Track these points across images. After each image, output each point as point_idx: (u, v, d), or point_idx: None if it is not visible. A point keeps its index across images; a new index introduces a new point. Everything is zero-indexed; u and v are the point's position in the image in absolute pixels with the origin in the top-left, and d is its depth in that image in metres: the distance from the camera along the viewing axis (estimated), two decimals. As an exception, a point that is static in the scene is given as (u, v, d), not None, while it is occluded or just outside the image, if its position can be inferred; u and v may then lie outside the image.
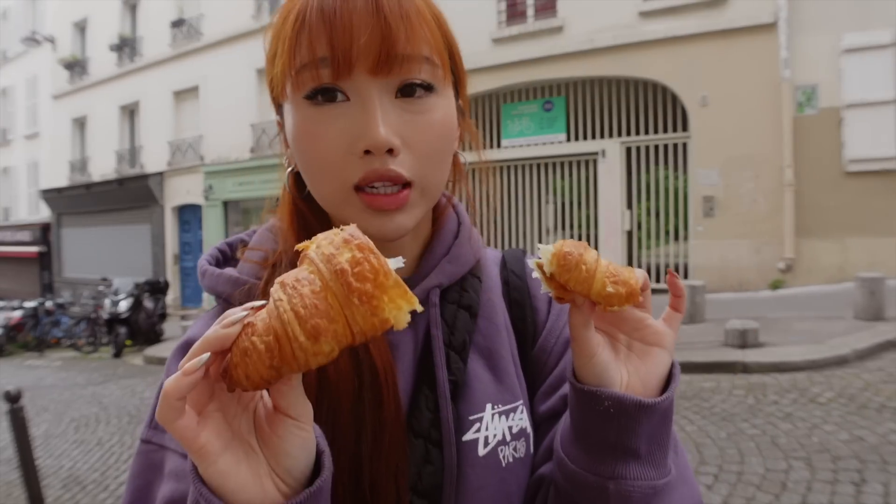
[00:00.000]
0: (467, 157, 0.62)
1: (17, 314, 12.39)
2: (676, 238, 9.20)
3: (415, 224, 0.54)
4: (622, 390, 0.48)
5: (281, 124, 0.58)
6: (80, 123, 18.23)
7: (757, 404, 4.13)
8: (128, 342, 10.38)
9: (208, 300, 11.68)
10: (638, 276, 0.48)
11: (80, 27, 18.04)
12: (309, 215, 0.58)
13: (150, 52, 15.64)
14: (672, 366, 0.51)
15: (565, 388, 0.58)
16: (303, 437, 0.39)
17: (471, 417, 0.56)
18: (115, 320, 10.45)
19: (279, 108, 0.56)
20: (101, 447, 5.06)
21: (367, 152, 0.49)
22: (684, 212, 8.91)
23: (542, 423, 0.60)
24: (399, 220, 0.52)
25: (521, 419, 0.59)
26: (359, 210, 0.51)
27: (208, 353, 0.35)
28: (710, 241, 8.46)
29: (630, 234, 9.53)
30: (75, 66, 17.86)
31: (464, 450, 0.54)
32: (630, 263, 9.52)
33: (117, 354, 10.16)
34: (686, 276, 8.54)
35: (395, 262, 0.36)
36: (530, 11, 9.90)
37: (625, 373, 0.50)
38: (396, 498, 0.51)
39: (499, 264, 0.68)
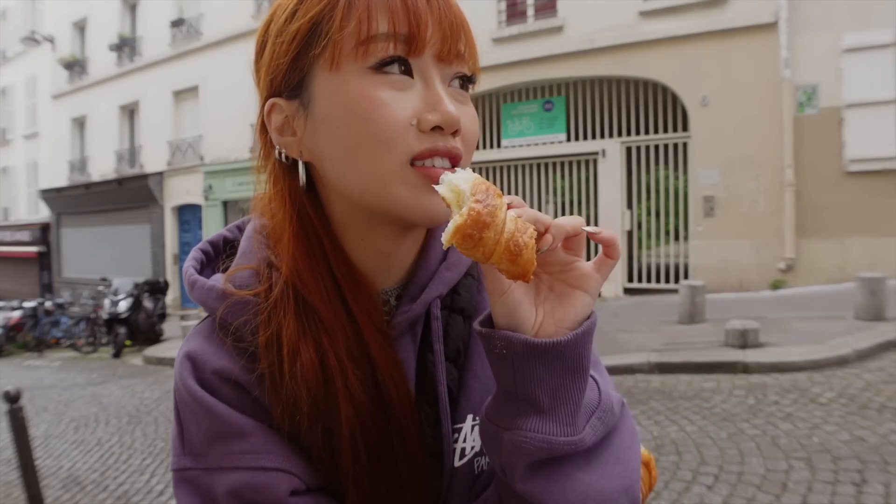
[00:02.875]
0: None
1: (17, 314, 12.39)
2: (677, 238, 9.19)
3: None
4: (532, 333, 0.46)
5: (273, 109, 0.53)
6: (80, 123, 18.22)
7: (757, 404, 4.12)
8: (127, 342, 10.38)
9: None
10: (566, 224, 0.44)
11: (80, 27, 18.03)
12: (317, 221, 0.53)
13: (150, 51, 15.63)
14: (590, 315, 0.47)
15: None
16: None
17: (453, 427, 0.56)
18: (114, 320, 10.44)
19: (289, 88, 0.52)
20: (100, 447, 5.05)
21: (434, 129, 0.49)
22: (684, 212, 8.91)
23: None
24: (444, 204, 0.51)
25: None
26: (411, 185, 0.49)
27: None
28: (711, 241, 8.46)
29: (630, 234, 9.53)
30: (75, 66, 17.85)
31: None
32: (630, 263, 9.53)
33: (117, 355, 10.15)
34: (686, 276, 8.54)
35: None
36: (530, 11, 9.90)
37: (540, 314, 0.47)
38: None
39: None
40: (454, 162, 0.50)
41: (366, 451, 0.50)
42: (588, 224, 0.47)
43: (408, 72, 0.49)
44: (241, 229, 0.62)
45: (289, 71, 0.51)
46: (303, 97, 0.51)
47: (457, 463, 0.55)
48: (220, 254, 0.61)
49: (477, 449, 0.57)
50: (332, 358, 0.50)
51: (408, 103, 0.49)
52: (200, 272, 0.58)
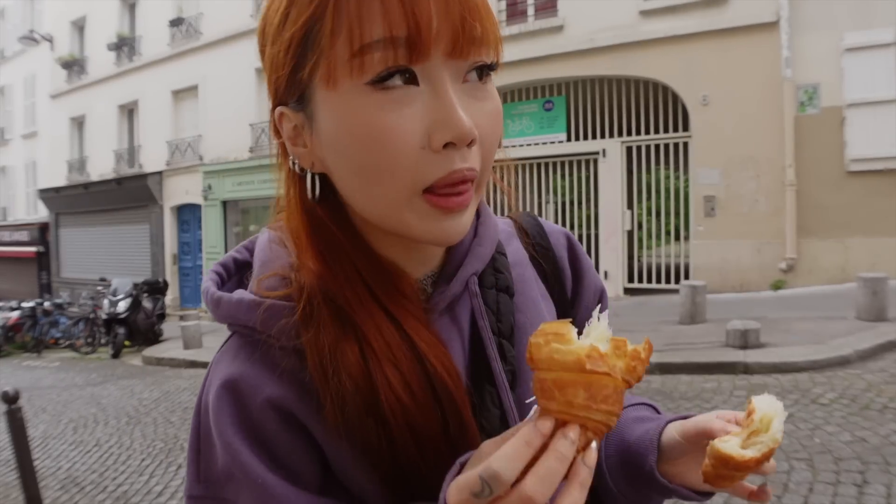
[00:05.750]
0: None
1: (15, 314, 12.37)
2: (677, 238, 9.19)
3: (471, 222, 0.49)
4: (659, 467, 0.56)
5: (283, 118, 0.50)
6: (79, 123, 18.20)
7: (759, 405, 4.11)
8: (126, 343, 10.36)
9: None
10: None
11: (79, 26, 18.01)
12: (332, 226, 0.50)
13: (149, 51, 15.61)
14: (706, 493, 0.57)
15: None
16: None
17: (528, 401, 0.55)
18: (113, 321, 10.42)
19: (294, 98, 0.48)
20: (99, 448, 5.03)
21: (446, 145, 0.43)
22: (685, 212, 8.90)
23: None
24: (463, 222, 0.47)
25: None
26: (422, 214, 0.46)
27: None
28: (711, 241, 8.45)
29: (630, 234, 9.52)
30: (73, 66, 17.83)
31: None
32: (630, 263, 9.52)
33: (116, 355, 10.14)
34: (687, 277, 8.53)
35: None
36: (530, 11, 9.89)
37: (681, 466, 0.56)
38: None
39: (515, 233, 0.66)
40: (469, 188, 0.46)
41: (418, 440, 0.47)
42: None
43: (412, 79, 0.43)
44: (249, 249, 0.60)
45: (289, 83, 0.47)
46: (307, 111, 0.48)
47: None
48: (232, 275, 0.59)
49: None
50: (374, 362, 0.47)
51: (415, 123, 0.43)
52: None
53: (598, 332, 0.41)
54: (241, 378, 0.49)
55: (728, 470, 0.48)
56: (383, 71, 0.42)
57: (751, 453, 0.47)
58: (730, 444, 0.48)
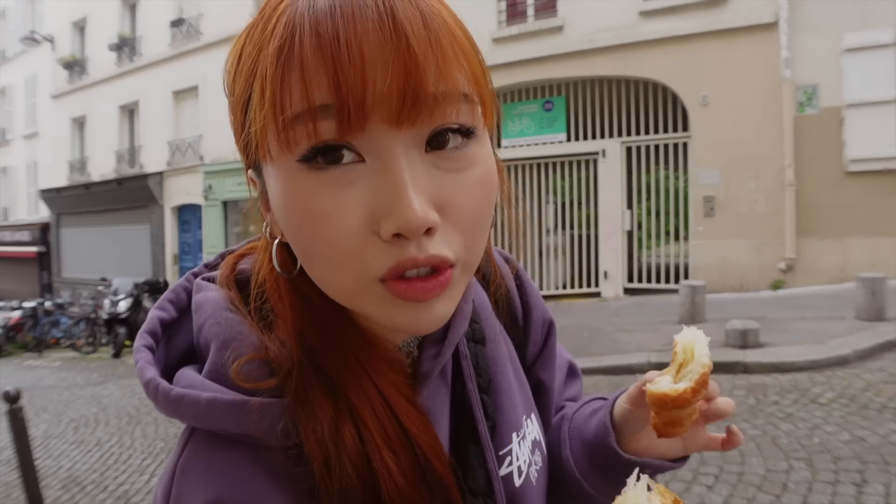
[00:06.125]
0: None
1: (16, 314, 12.39)
2: (677, 238, 9.19)
3: (454, 309, 0.42)
4: (623, 442, 0.57)
5: (255, 182, 0.44)
6: (80, 123, 18.21)
7: (757, 405, 4.12)
8: (127, 342, 10.37)
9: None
10: (723, 408, 0.54)
11: (80, 27, 18.02)
12: (312, 295, 0.44)
13: (150, 51, 15.62)
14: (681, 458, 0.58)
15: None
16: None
17: (501, 453, 0.53)
18: (114, 320, 10.44)
19: (255, 166, 0.43)
20: (100, 448, 5.05)
21: (396, 235, 0.36)
22: (685, 212, 8.91)
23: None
24: (438, 310, 0.40)
25: (533, 430, 0.58)
26: (384, 303, 0.39)
27: None
28: (711, 241, 8.46)
29: (630, 234, 9.52)
30: (74, 66, 17.84)
31: (503, 487, 0.53)
32: (630, 263, 9.53)
33: (116, 355, 10.15)
34: (686, 276, 8.53)
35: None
36: (530, 11, 9.89)
37: (641, 431, 0.56)
38: None
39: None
40: (438, 268, 0.38)
41: None
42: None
43: (355, 152, 0.37)
44: (174, 304, 0.50)
45: (244, 150, 0.42)
46: (262, 180, 0.43)
47: (518, 482, 0.54)
48: (159, 342, 0.48)
49: (528, 462, 0.57)
50: (372, 444, 0.42)
51: (356, 206, 0.36)
52: None
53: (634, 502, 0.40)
54: (231, 498, 0.39)
55: (670, 410, 0.48)
56: (308, 149, 0.36)
57: (683, 385, 0.47)
58: (661, 383, 0.48)
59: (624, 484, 0.46)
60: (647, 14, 8.81)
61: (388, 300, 0.39)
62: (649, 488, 0.43)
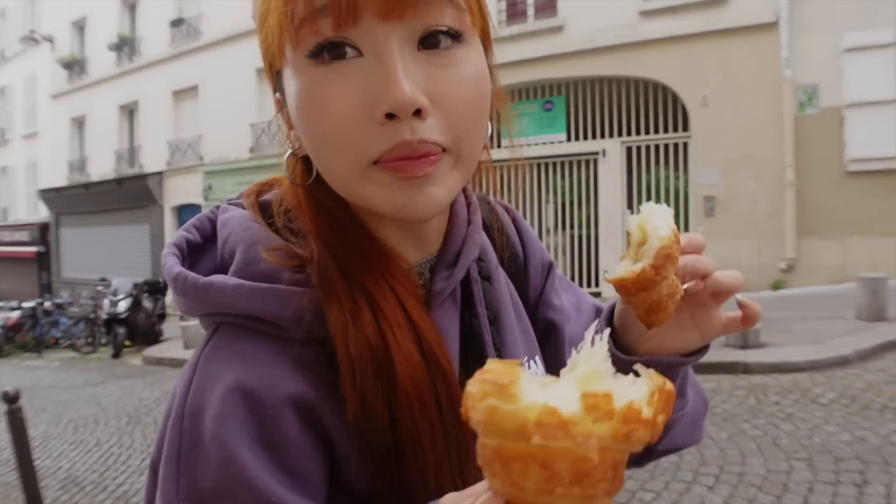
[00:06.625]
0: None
1: (16, 314, 12.38)
2: (677, 238, 9.19)
3: (450, 199, 0.46)
4: (637, 343, 0.54)
5: (280, 102, 0.49)
6: (79, 123, 18.21)
7: (758, 405, 4.11)
8: (127, 342, 10.36)
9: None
10: (724, 282, 0.50)
11: (79, 26, 18.02)
12: (329, 202, 0.49)
13: (150, 51, 15.62)
14: (699, 350, 0.55)
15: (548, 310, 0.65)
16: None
17: None
18: (113, 320, 10.43)
19: (276, 78, 0.48)
20: (99, 448, 5.04)
21: (389, 116, 0.40)
22: (685, 212, 8.90)
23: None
24: (431, 192, 0.43)
25: (539, 370, 0.61)
26: (382, 185, 0.43)
27: None
28: (711, 241, 8.08)
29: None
30: (74, 66, 17.84)
31: None
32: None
33: (116, 355, 10.14)
34: (686, 277, 8.53)
35: None
36: (530, 11, 9.89)
37: (653, 329, 0.52)
38: None
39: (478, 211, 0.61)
40: (428, 158, 0.42)
41: (419, 412, 0.45)
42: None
43: (355, 48, 0.41)
44: (199, 230, 0.54)
45: (268, 65, 0.48)
46: (281, 89, 0.48)
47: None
48: (185, 259, 0.52)
49: None
50: (385, 324, 0.46)
51: (355, 94, 0.41)
52: None
53: (590, 367, 0.31)
54: (253, 378, 0.43)
55: (637, 295, 0.43)
56: (314, 45, 0.41)
57: (641, 264, 0.43)
58: (618, 268, 0.44)
59: None
60: (647, 14, 8.81)
61: (385, 182, 0.43)
62: (638, 374, 0.32)
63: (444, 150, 0.43)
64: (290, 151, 0.49)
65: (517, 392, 0.28)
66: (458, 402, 0.44)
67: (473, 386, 0.30)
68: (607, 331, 0.36)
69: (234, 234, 0.50)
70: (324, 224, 0.48)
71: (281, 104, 0.49)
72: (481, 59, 0.46)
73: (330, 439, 0.45)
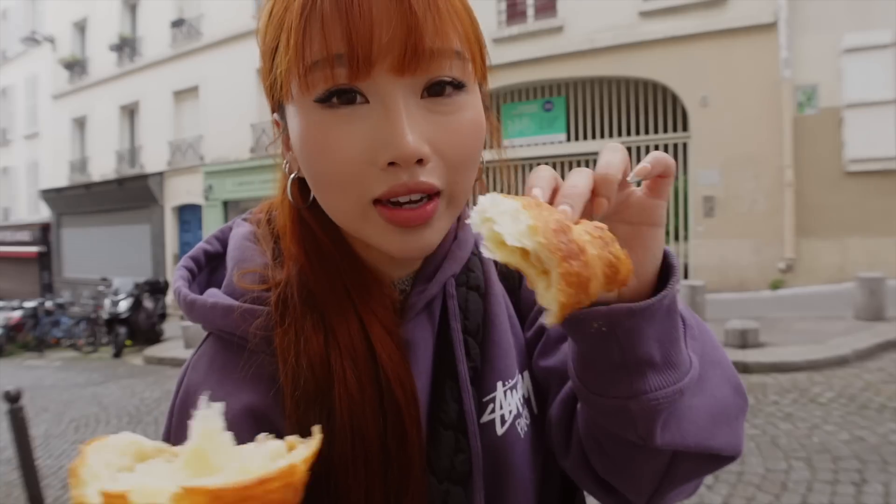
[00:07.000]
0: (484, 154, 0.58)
1: (17, 314, 12.40)
2: (676, 238, 9.19)
3: (440, 239, 0.49)
4: (616, 295, 0.44)
5: (279, 124, 0.52)
6: (80, 123, 18.23)
7: (757, 404, 4.12)
8: (128, 342, 10.38)
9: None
10: (613, 175, 0.41)
11: (80, 27, 18.04)
12: (316, 228, 0.52)
13: (150, 52, 15.64)
14: (666, 254, 0.45)
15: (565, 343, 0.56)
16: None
17: (485, 399, 0.55)
18: (114, 320, 10.45)
19: (278, 106, 0.51)
20: (100, 447, 5.05)
21: (391, 164, 0.43)
22: (684, 212, 8.91)
23: (550, 378, 0.57)
24: (426, 237, 0.47)
25: (524, 388, 0.60)
26: (378, 227, 0.46)
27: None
28: (711, 241, 8.46)
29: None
30: (75, 66, 17.86)
31: (483, 432, 0.54)
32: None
33: (117, 354, 10.15)
34: (686, 276, 8.53)
35: None
36: (530, 11, 9.90)
37: None
38: None
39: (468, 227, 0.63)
40: (425, 193, 0.45)
41: (356, 440, 0.47)
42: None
43: (362, 96, 0.44)
44: (220, 241, 0.60)
45: (270, 94, 0.50)
46: (284, 120, 0.50)
47: (500, 431, 0.55)
48: (202, 268, 0.59)
49: (515, 413, 0.56)
50: (336, 354, 0.49)
51: (359, 140, 0.44)
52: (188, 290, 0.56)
53: (197, 444, 0.33)
54: (219, 390, 0.49)
55: (587, 292, 0.34)
56: (324, 92, 0.43)
57: (556, 272, 0.33)
58: (547, 303, 0.34)
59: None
60: (646, 14, 8.82)
61: (383, 226, 0.46)
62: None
63: (438, 193, 0.46)
64: (293, 176, 0.52)
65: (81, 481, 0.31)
66: (409, 430, 0.48)
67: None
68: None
69: (230, 251, 0.56)
70: (302, 249, 0.52)
71: (279, 127, 0.53)
72: (478, 104, 0.48)
73: None
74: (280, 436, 0.44)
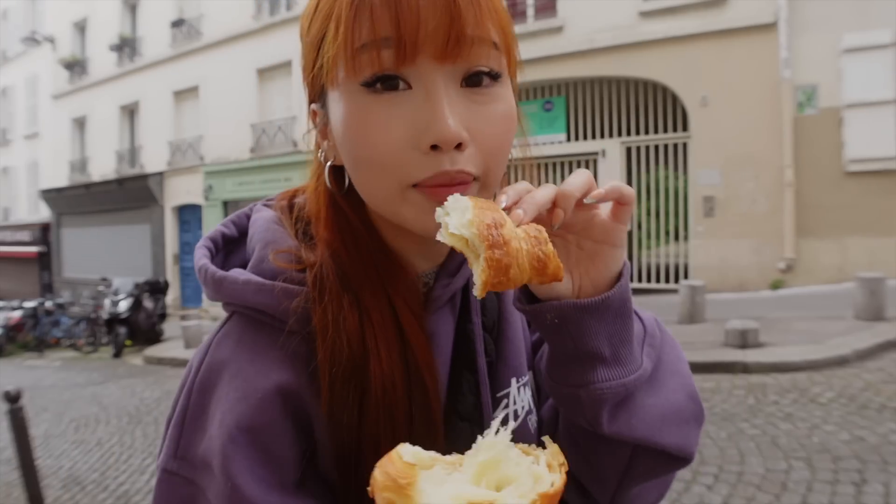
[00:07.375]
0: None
1: (17, 314, 12.41)
2: (676, 238, 9.20)
3: None
4: (574, 296, 0.50)
5: (316, 114, 0.53)
6: (80, 123, 18.24)
7: (757, 404, 4.12)
8: (128, 342, 10.39)
9: (207, 300, 11.67)
10: (573, 191, 0.47)
11: (80, 27, 18.04)
12: (351, 214, 0.53)
13: (150, 52, 15.64)
14: (622, 269, 0.52)
15: None
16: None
17: (499, 395, 0.57)
18: (114, 320, 10.45)
19: (319, 95, 0.52)
20: (100, 447, 5.05)
21: (433, 147, 0.45)
22: (684, 212, 8.91)
23: (544, 380, 0.62)
24: None
25: (532, 386, 0.63)
26: (417, 206, 0.47)
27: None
28: (711, 241, 8.46)
29: (630, 234, 9.52)
30: (75, 66, 17.86)
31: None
32: (630, 264, 9.51)
33: (117, 354, 10.16)
34: (686, 276, 8.54)
35: None
36: (530, 11, 9.90)
37: (576, 277, 0.51)
38: None
39: None
40: (461, 186, 0.47)
41: (390, 414, 0.48)
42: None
43: (406, 82, 0.46)
44: (237, 225, 0.60)
45: (312, 83, 0.51)
46: (326, 108, 0.51)
47: (513, 426, 0.55)
48: (219, 250, 0.59)
49: (527, 409, 0.59)
50: (370, 332, 0.50)
51: (401, 123, 0.45)
52: None
53: (492, 455, 0.36)
54: (249, 367, 0.49)
55: (508, 276, 0.40)
56: (371, 75, 0.45)
57: (482, 256, 0.40)
58: (475, 279, 0.40)
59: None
60: (646, 14, 8.82)
61: (420, 204, 0.47)
62: (545, 446, 0.40)
63: (474, 178, 0.48)
64: (329, 163, 0.53)
65: (412, 494, 0.33)
66: (433, 415, 0.49)
67: (378, 473, 0.35)
68: (511, 424, 0.42)
69: (257, 233, 0.56)
70: (337, 233, 0.53)
71: (315, 117, 0.54)
72: (511, 95, 0.51)
73: (311, 426, 0.50)
74: (308, 417, 0.49)
